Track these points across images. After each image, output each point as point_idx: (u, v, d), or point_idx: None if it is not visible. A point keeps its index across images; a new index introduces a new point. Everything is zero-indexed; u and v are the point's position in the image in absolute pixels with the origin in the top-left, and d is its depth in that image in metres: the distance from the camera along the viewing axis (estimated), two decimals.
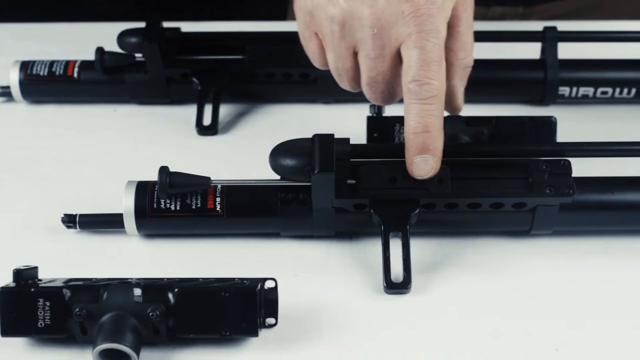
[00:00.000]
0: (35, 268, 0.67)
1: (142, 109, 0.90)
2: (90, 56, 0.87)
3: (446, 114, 0.74)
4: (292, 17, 1.19)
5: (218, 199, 0.73)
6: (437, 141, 0.69)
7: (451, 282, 0.72)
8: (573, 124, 0.85)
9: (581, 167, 0.73)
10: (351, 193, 0.71)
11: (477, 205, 0.72)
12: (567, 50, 0.88)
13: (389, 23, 0.68)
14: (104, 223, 0.75)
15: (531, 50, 0.90)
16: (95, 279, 0.67)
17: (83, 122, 0.89)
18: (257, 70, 0.88)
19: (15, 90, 0.89)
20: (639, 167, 0.76)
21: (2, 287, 0.65)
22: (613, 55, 0.89)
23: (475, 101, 0.88)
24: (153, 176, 0.75)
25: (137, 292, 0.65)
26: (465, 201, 0.72)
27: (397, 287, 0.70)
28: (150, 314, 0.64)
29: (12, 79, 0.88)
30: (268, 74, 0.88)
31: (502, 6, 1.04)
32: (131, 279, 0.66)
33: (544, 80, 0.88)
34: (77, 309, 0.64)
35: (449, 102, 0.73)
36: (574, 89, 0.88)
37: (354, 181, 0.71)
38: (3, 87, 0.90)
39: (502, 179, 0.72)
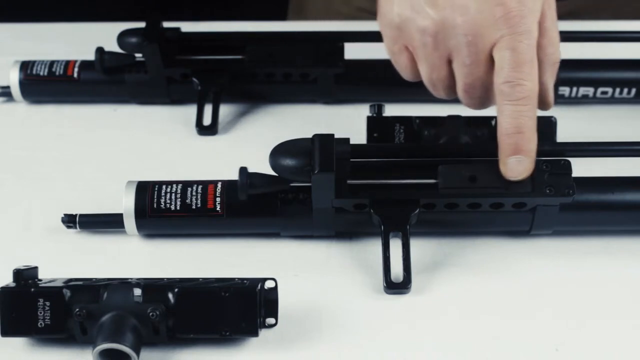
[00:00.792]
0: (35, 268, 0.67)
1: (142, 109, 0.90)
2: (90, 56, 0.87)
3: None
4: (292, 17, 1.20)
5: (218, 199, 0.73)
6: (531, 142, 0.69)
7: (451, 282, 0.72)
8: (573, 124, 0.85)
9: (581, 167, 0.73)
10: (351, 193, 0.72)
11: (477, 205, 0.72)
12: (567, 50, 0.88)
13: (482, 28, 0.67)
14: (104, 223, 0.75)
15: None
16: (95, 279, 0.67)
17: (83, 122, 0.89)
18: (257, 70, 0.88)
19: (15, 90, 0.89)
20: (639, 167, 0.76)
21: (2, 287, 0.65)
22: (613, 55, 0.89)
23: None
24: (153, 176, 0.76)
25: (137, 292, 0.65)
26: (465, 201, 0.72)
27: (397, 287, 0.70)
28: (150, 314, 0.64)
29: (12, 79, 0.88)
30: (268, 74, 0.88)
31: None
32: (131, 279, 0.66)
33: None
34: (77, 309, 0.64)
35: (541, 99, 0.72)
36: (574, 89, 0.88)
37: (434, 180, 0.71)
38: (3, 87, 0.90)
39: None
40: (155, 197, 0.73)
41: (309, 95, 0.90)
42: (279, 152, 0.70)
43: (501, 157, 0.70)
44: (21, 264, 0.67)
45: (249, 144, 0.86)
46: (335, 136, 0.71)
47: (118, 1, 1.46)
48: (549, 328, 0.68)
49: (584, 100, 0.89)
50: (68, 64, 0.89)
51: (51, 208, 0.78)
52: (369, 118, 0.78)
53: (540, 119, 0.78)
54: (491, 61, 0.69)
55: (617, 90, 0.88)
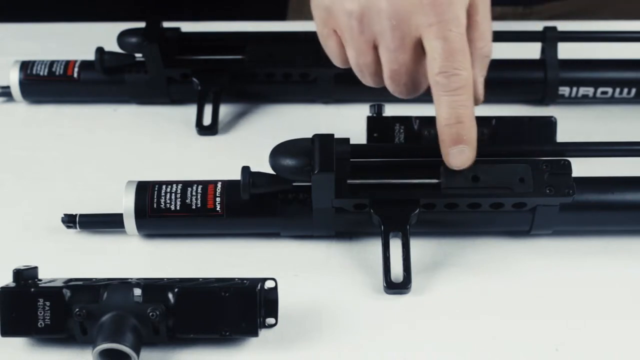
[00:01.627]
0: (35, 268, 0.67)
1: (142, 109, 0.90)
2: (90, 56, 0.87)
3: None
4: (292, 17, 1.20)
5: (218, 199, 0.73)
6: (471, 131, 0.69)
7: (451, 282, 0.72)
8: (573, 124, 0.85)
9: (581, 167, 0.73)
10: (351, 193, 0.72)
11: (477, 205, 0.72)
12: (567, 50, 0.88)
13: (407, 13, 0.67)
14: (104, 223, 0.75)
15: (531, 50, 0.90)
16: (95, 279, 0.67)
17: (83, 122, 0.89)
18: (257, 70, 0.88)
19: (15, 90, 0.89)
20: (639, 167, 0.76)
21: (2, 287, 0.65)
22: (613, 55, 0.89)
23: None
24: (153, 176, 0.76)
25: (137, 292, 0.65)
26: (465, 201, 0.72)
27: (397, 287, 0.70)
28: (150, 314, 0.64)
29: (12, 79, 0.88)
30: (268, 74, 0.88)
31: (501, 6, 1.04)
32: (131, 279, 0.66)
33: (544, 80, 0.88)
34: (77, 309, 0.64)
35: None
36: (574, 89, 0.88)
37: (434, 180, 0.71)
38: (3, 87, 0.90)
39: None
40: (155, 197, 0.73)
41: (309, 95, 0.90)
42: (279, 152, 0.70)
43: (443, 148, 0.69)
44: (21, 264, 0.67)
45: (249, 144, 0.86)
46: (335, 136, 0.71)
47: (118, 1, 1.46)
48: (549, 328, 0.68)
49: (584, 100, 0.89)
50: (68, 64, 0.89)
51: (51, 208, 0.78)
52: (369, 118, 0.78)
53: (540, 119, 0.79)
54: (420, 48, 0.69)
55: (617, 90, 0.88)
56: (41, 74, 0.88)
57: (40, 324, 0.65)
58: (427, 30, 0.67)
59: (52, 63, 0.89)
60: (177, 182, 0.74)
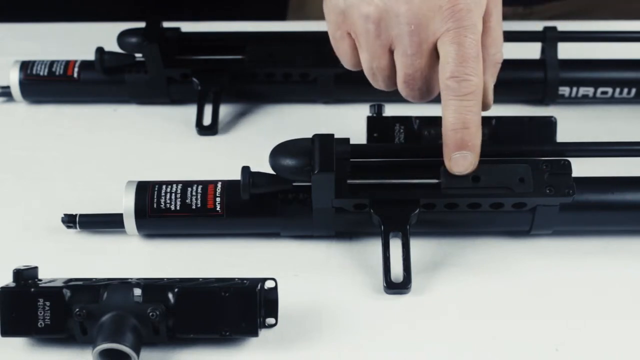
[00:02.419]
0: (35, 268, 0.67)
1: (142, 109, 0.90)
2: (90, 56, 0.87)
3: None
4: (292, 17, 1.20)
5: (218, 199, 0.73)
6: (476, 137, 0.69)
7: (451, 282, 0.72)
8: (573, 124, 0.85)
9: (581, 167, 0.73)
10: (351, 193, 0.72)
11: (477, 205, 0.72)
12: (567, 50, 0.88)
13: (426, 18, 0.67)
14: (104, 223, 0.75)
15: (531, 50, 0.90)
16: (95, 279, 0.67)
17: (83, 122, 0.89)
18: (257, 70, 0.88)
19: (15, 90, 0.89)
20: (639, 167, 0.76)
21: (2, 287, 0.65)
22: (613, 55, 0.89)
23: None
24: (153, 176, 0.76)
25: (137, 292, 0.65)
26: (465, 201, 0.72)
27: (397, 287, 0.70)
28: (150, 314, 0.64)
29: (12, 79, 0.88)
30: (268, 74, 0.88)
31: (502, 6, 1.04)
32: (131, 279, 0.66)
33: (544, 80, 0.88)
34: (77, 309, 0.64)
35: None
36: (574, 89, 0.88)
37: (434, 180, 0.71)
38: (3, 87, 0.90)
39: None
40: (155, 197, 0.73)
41: (309, 95, 0.90)
42: (279, 152, 0.70)
43: (446, 152, 0.69)
44: (21, 264, 0.67)
45: (249, 144, 0.86)
46: (335, 136, 0.71)
47: (118, 1, 1.46)
48: (549, 328, 0.68)
49: (584, 100, 0.89)
50: (68, 64, 0.89)
51: (51, 208, 0.78)
52: (369, 118, 0.78)
53: (540, 119, 0.79)
54: (434, 53, 0.69)
55: (617, 90, 0.88)
56: (41, 74, 0.88)
57: (40, 324, 0.64)
58: (444, 35, 0.67)
59: (52, 63, 0.89)
60: (177, 182, 0.74)
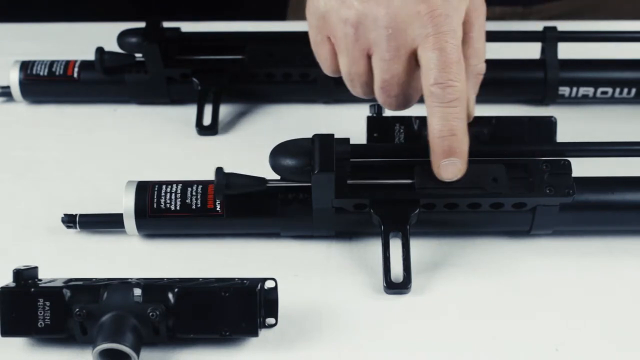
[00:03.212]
0: (35, 268, 0.67)
1: (142, 109, 0.90)
2: (90, 56, 0.87)
3: None
4: (292, 17, 1.20)
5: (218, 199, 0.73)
6: (463, 143, 0.68)
7: (451, 282, 0.72)
8: (573, 124, 0.85)
9: (581, 167, 0.73)
10: (351, 193, 0.72)
11: (477, 205, 0.72)
12: (567, 50, 0.88)
13: (404, 23, 0.67)
14: (104, 223, 0.75)
15: (531, 50, 0.90)
16: (95, 279, 0.67)
17: (83, 122, 0.89)
18: (257, 70, 0.88)
19: (15, 90, 0.89)
20: (639, 167, 0.76)
21: (2, 287, 0.65)
22: (613, 55, 0.89)
23: (475, 101, 0.88)
24: (153, 176, 0.76)
25: (137, 292, 0.65)
26: (465, 201, 0.72)
27: (397, 287, 0.70)
28: (150, 314, 0.64)
29: (12, 79, 0.88)
30: (268, 74, 0.88)
31: (501, 6, 1.04)
32: (131, 279, 0.66)
33: (544, 80, 0.88)
34: (77, 309, 0.64)
35: None
36: (574, 89, 0.88)
37: (410, 181, 0.71)
38: (3, 87, 0.90)
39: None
40: (155, 197, 0.73)
41: (309, 95, 0.90)
42: (279, 152, 0.70)
43: (434, 160, 0.69)
44: (21, 264, 0.67)
45: (249, 144, 0.86)
46: (335, 136, 0.71)
47: (118, 1, 1.46)
48: (549, 328, 0.68)
49: (584, 100, 0.89)
50: (68, 64, 0.89)
51: (51, 208, 0.78)
52: (369, 118, 0.78)
53: (540, 119, 0.79)
54: (412, 60, 0.69)
55: (617, 90, 0.88)
56: (41, 74, 0.88)
57: (40, 324, 0.65)
58: (424, 41, 0.67)
59: (52, 63, 0.89)
60: (177, 182, 0.74)
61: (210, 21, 0.99)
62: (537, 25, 0.90)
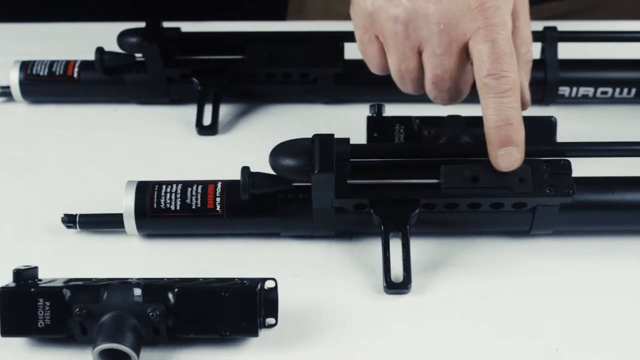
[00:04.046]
0: (35, 268, 0.67)
1: (142, 109, 0.90)
2: (90, 56, 0.87)
3: None
4: (292, 17, 1.20)
5: (218, 199, 0.73)
6: (519, 132, 0.69)
7: (451, 282, 0.72)
8: (573, 124, 0.85)
9: (581, 167, 0.73)
10: (351, 193, 0.72)
11: (477, 205, 0.72)
12: (567, 50, 0.88)
13: (455, 18, 0.67)
14: (104, 223, 0.75)
15: None
16: (95, 279, 0.67)
17: (83, 122, 0.89)
18: (257, 70, 0.88)
19: (15, 90, 0.89)
20: (639, 167, 0.76)
21: (2, 287, 0.65)
22: (613, 55, 0.89)
23: (475, 101, 0.88)
24: (153, 176, 0.76)
25: (137, 292, 0.65)
26: (465, 201, 0.72)
27: (397, 287, 0.70)
28: (150, 314, 0.64)
29: (12, 79, 0.88)
30: (268, 74, 0.88)
31: None
32: (131, 279, 0.66)
33: (544, 80, 0.88)
34: (77, 309, 0.64)
35: None
36: (574, 89, 0.88)
37: (434, 180, 0.71)
38: (3, 87, 0.90)
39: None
40: (155, 197, 0.73)
41: (309, 95, 0.90)
42: (279, 152, 0.70)
43: (491, 150, 0.70)
44: (21, 264, 0.67)
45: (249, 144, 0.86)
46: (335, 136, 0.71)
47: (118, 1, 1.46)
48: (549, 328, 0.68)
49: (584, 100, 0.89)
50: (68, 64, 0.89)
51: (51, 208, 0.78)
52: (369, 118, 0.78)
53: (540, 119, 0.79)
54: (463, 54, 0.69)
55: (617, 90, 0.88)
56: (41, 74, 0.88)
57: (40, 324, 0.65)
58: (475, 34, 0.68)
59: (52, 63, 0.89)
60: (177, 182, 0.74)
61: (210, 21, 0.99)
62: (537, 25, 0.90)
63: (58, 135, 0.87)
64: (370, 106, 0.79)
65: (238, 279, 0.67)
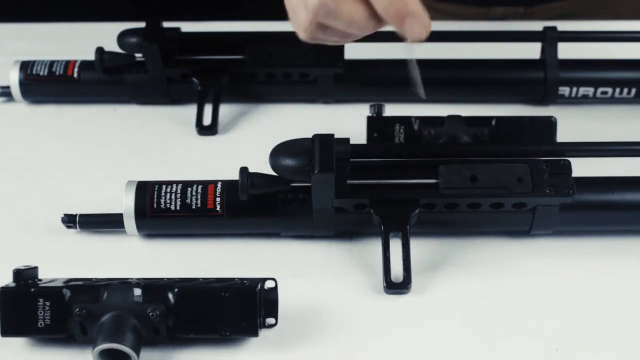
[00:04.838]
0: (35, 268, 0.67)
1: (142, 109, 0.90)
2: (90, 56, 0.87)
3: None
4: None
5: (218, 199, 0.73)
6: (409, 2, 0.63)
7: (451, 282, 0.72)
8: (573, 124, 0.85)
9: (581, 167, 0.73)
10: (351, 193, 0.72)
11: (477, 205, 0.72)
12: (567, 50, 0.88)
13: None
14: (104, 223, 0.75)
15: (531, 50, 0.90)
16: (95, 279, 0.67)
17: (83, 122, 0.89)
18: (257, 70, 0.88)
19: (15, 90, 0.89)
20: (639, 167, 0.76)
21: (2, 287, 0.65)
22: (613, 55, 0.89)
23: (475, 101, 0.88)
24: (153, 176, 0.76)
25: (137, 292, 0.65)
26: (465, 201, 0.72)
27: (397, 287, 0.70)
28: (150, 314, 0.64)
29: (12, 79, 0.88)
30: (268, 74, 0.88)
31: (502, 6, 1.04)
32: (131, 279, 0.66)
33: (544, 80, 0.88)
34: (77, 309, 0.64)
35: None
36: (574, 89, 0.88)
37: (434, 180, 0.71)
38: (3, 87, 0.90)
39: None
40: (155, 197, 0.73)
41: (309, 95, 0.90)
42: (279, 152, 0.70)
43: (399, 30, 0.63)
44: (21, 264, 0.67)
45: (249, 144, 0.86)
46: (335, 136, 0.71)
47: (118, 1, 1.46)
48: (549, 328, 0.68)
49: (584, 100, 0.89)
50: (68, 64, 0.89)
51: (51, 208, 0.78)
52: (369, 118, 0.78)
53: (540, 119, 0.79)
54: None
55: (617, 90, 0.88)
56: (41, 74, 0.88)
57: (40, 324, 0.65)
58: None
59: (52, 63, 0.89)
60: (177, 182, 0.74)
61: (210, 21, 0.99)
62: (537, 25, 0.90)
63: (58, 135, 0.87)
64: (370, 106, 0.79)
65: (238, 279, 0.67)
